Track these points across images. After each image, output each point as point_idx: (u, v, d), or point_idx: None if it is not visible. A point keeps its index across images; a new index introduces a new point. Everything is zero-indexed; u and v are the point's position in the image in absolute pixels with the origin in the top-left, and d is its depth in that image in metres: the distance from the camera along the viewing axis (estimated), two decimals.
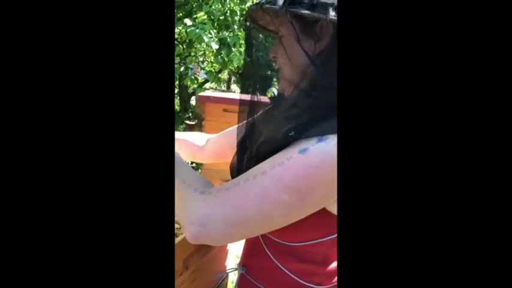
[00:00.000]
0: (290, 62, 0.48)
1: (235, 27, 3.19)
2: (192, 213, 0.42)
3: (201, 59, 4.45)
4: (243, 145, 0.57)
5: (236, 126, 0.76)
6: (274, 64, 0.58)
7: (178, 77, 5.07)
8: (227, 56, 2.57)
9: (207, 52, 4.94)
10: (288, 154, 0.41)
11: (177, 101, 7.13)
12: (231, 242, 0.45)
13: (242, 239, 0.47)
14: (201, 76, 4.90)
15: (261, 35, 0.61)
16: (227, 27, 3.00)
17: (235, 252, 0.84)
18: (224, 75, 5.10)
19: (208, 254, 0.67)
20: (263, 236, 0.55)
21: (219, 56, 2.58)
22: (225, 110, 2.19)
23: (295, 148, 0.41)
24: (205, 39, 2.34)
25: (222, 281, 0.82)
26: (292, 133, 0.42)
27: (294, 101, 0.47)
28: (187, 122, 4.88)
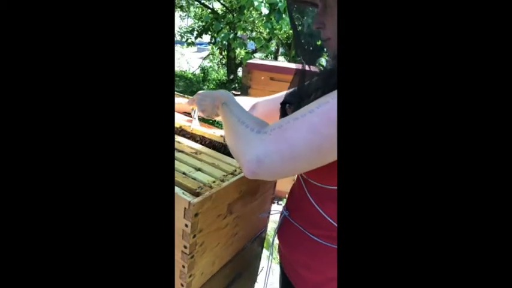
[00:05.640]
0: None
1: None
2: (250, 151, 0.45)
3: (249, 28, 4.38)
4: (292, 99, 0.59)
5: (284, 92, 0.77)
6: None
7: (226, 46, 5.08)
8: (277, 22, 2.49)
9: (256, 21, 4.83)
10: (333, 94, 0.43)
11: (224, 71, 7.23)
12: (285, 176, 0.48)
13: (295, 173, 0.49)
14: (249, 47, 4.85)
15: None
16: None
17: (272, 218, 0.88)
18: (272, 45, 4.98)
19: (251, 204, 0.71)
20: (305, 181, 0.57)
21: (269, 22, 2.51)
22: (271, 79, 2.17)
23: None
24: (255, 3, 2.28)
25: (262, 233, 0.87)
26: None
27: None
28: (233, 92, 4.96)
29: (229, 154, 0.74)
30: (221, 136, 0.81)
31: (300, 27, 0.61)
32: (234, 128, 0.53)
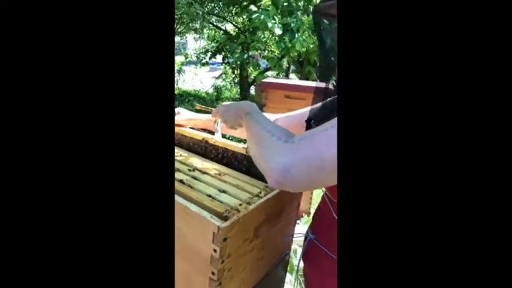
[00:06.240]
0: None
1: (299, 13, 3.12)
2: (276, 160, 0.44)
3: (262, 47, 4.49)
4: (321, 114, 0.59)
5: (304, 109, 0.77)
6: None
7: (239, 65, 5.22)
8: (290, 41, 2.54)
9: (268, 41, 4.94)
10: None
11: (237, 89, 7.37)
12: (308, 188, 0.46)
13: (320, 186, 0.48)
14: (262, 66, 4.96)
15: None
16: (290, 13, 2.96)
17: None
18: (283, 63, 5.08)
19: (276, 226, 0.69)
20: (332, 202, 0.56)
21: (282, 42, 2.57)
22: (286, 97, 2.19)
23: None
24: (269, 24, 2.34)
25: (286, 255, 0.84)
26: None
27: None
28: None
29: (250, 172, 0.74)
30: (243, 148, 0.80)
31: (326, 43, 0.62)
32: (259, 137, 0.52)
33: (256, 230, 0.61)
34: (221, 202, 0.60)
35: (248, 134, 0.58)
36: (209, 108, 0.90)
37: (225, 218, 0.54)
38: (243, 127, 0.65)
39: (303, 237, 0.67)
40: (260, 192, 0.65)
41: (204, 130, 0.96)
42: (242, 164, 0.79)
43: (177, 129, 0.94)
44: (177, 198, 0.57)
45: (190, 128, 0.96)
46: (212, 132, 0.86)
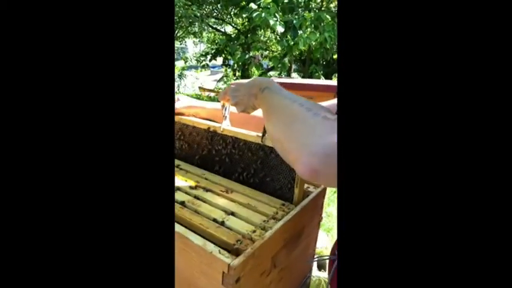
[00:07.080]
0: None
1: (300, 10, 3.02)
2: (315, 141, 0.33)
3: (263, 47, 4.39)
4: None
5: (327, 102, 0.65)
6: None
7: (241, 66, 5.14)
8: (293, 39, 2.43)
9: (268, 41, 4.86)
10: None
11: None
12: None
13: None
14: (264, 66, 4.86)
15: None
16: (291, 10, 2.85)
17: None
18: (286, 62, 4.99)
19: (296, 250, 0.59)
20: None
21: (285, 40, 2.46)
22: None
23: None
24: (271, 22, 2.24)
25: (307, 279, 0.74)
26: None
27: None
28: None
29: (266, 165, 0.63)
30: (258, 136, 0.64)
31: None
32: (287, 112, 0.40)
33: (273, 259, 0.51)
34: (230, 229, 0.50)
35: (268, 113, 0.45)
36: (215, 89, 0.74)
37: (236, 252, 0.44)
38: (258, 109, 0.51)
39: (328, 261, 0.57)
40: (276, 213, 0.54)
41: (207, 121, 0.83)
42: (257, 155, 0.64)
43: (177, 117, 0.81)
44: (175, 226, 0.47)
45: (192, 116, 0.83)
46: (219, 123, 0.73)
